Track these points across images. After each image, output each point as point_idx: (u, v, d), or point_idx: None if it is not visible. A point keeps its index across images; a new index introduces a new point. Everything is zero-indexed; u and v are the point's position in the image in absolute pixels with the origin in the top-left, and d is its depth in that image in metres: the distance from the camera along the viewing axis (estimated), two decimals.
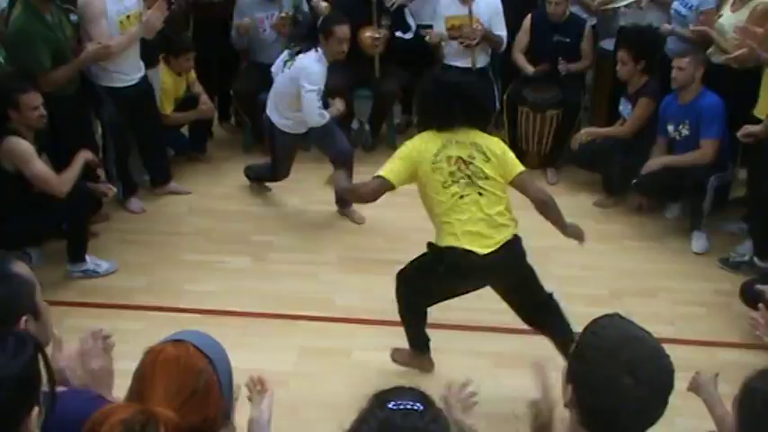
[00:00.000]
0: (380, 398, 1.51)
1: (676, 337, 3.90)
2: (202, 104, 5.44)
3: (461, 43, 5.60)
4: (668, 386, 1.55)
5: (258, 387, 2.08)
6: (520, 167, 3.32)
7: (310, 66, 4.61)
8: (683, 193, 4.92)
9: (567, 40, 5.57)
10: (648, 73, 5.00)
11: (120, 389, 1.96)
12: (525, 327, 3.86)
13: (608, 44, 5.73)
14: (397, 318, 3.99)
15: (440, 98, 3.32)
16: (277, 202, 5.19)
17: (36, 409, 1.43)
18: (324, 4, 5.61)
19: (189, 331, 1.68)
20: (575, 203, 5.16)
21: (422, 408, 1.49)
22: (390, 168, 3.31)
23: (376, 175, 3.32)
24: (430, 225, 4.88)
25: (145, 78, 4.91)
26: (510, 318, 3.99)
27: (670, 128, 4.78)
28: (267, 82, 5.70)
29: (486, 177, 3.22)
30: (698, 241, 4.71)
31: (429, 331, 3.86)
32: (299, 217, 5.06)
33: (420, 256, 3.36)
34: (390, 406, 1.48)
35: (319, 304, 4.03)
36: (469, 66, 5.66)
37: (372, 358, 3.69)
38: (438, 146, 3.26)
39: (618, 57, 5.02)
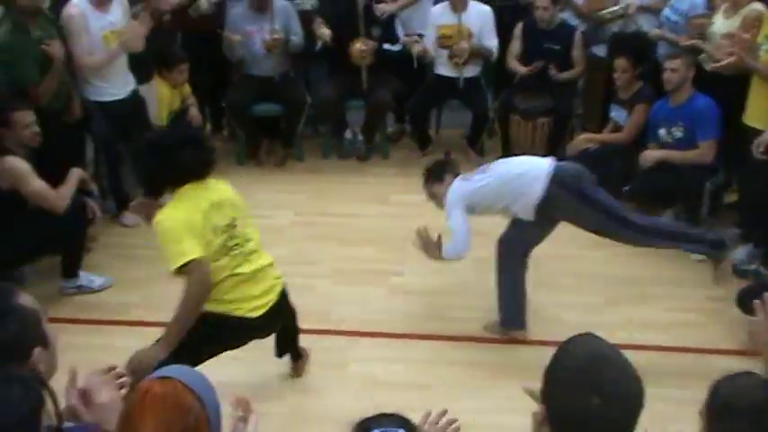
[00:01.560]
0: (363, 425, 1.51)
1: (671, 344, 3.91)
2: (191, 117, 5.43)
3: (451, 59, 5.65)
4: (637, 406, 1.55)
5: (241, 410, 2.04)
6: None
7: None
8: (677, 200, 4.93)
9: (558, 47, 5.60)
10: (640, 79, 5.03)
11: None
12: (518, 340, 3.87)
13: (598, 50, 5.76)
14: (393, 330, 4.01)
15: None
16: (270, 215, 5.18)
17: None
18: (327, 32, 5.60)
19: (175, 367, 1.67)
20: None
21: None
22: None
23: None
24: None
25: (135, 92, 4.92)
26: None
27: (662, 132, 4.79)
28: (260, 94, 5.73)
29: None
30: None
31: (420, 342, 3.86)
32: (293, 229, 5.05)
33: None
34: None
35: (315, 317, 4.01)
36: (457, 75, 5.70)
37: (370, 370, 3.68)
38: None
39: (616, 65, 5.02)
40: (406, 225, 5.03)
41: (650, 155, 4.76)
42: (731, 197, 5.09)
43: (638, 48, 5.02)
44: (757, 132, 4.30)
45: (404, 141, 6.39)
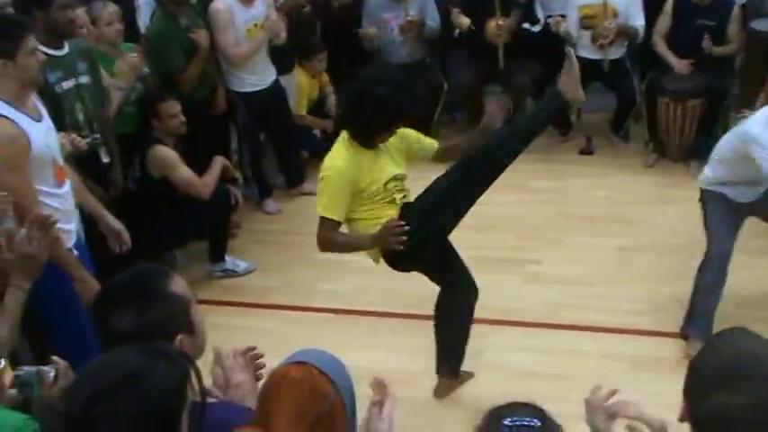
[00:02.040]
0: (495, 414, 1.47)
1: None
2: (329, 106, 5.52)
3: (594, 42, 5.41)
4: None
5: (378, 393, 2.02)
6: None
7: None
8: None
9: (713, 23, 5.21)
10: None
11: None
12: (658, 329, 3.67)
13: (760, 24, 5.33)
14: (529, 318, 3.91)
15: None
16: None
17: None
18: (466, 20, 5.52)
19: (310, 351, 1.68)
20: None
21: (539, 424, 1.44)
22: None
23: None
24: (563, 222, 4.76)
25: (276, 82, 5.06)
26: (644, 319, 3.82)
27: None
28: None
29: None
30: None
31: (557, 332, 3.75)
32: None
33: None
34: (506, 422, 1.44)
35: None
36: (602, 57, 5.47)
37: (505, 359, 3.64)
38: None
39: None
40: (544, 212, 4.92)
41: None
42: None
43: None
44: None
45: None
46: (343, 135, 3.04)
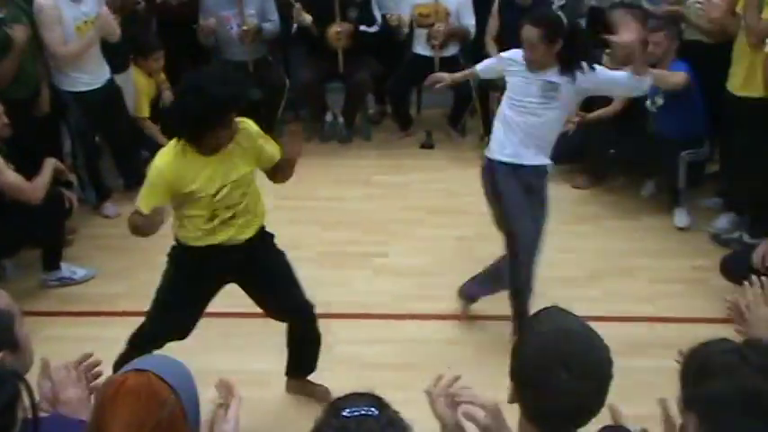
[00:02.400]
0: (335, 405, 1.50)
1: (656, 315, 3.93)
2: (164, 99, 5.37)
3: (428, 42, 5.63)
4: (606, 375, 1.56)
5: (223, 394, 1.99)
6: None
7: None
8: (658, 169, 4.96)
9: None
10: None
11: None
12: (499, 313, 3.88)
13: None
14: (378, 311, 4.01)
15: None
16: None
17: None
18: (308, 17, 5.55)
19: (152, 357, 1.66)
20: (552, 185, 5.16)
21: (376, 412, 1.48)
22: None
23: None
24: (408, 215, 4.92)
25: (111, 81, 4.86)
26: (485, 305, 4.02)
27: (647, 102, 4.79)
28: None
29: None
30: (679, 217, 4.74)
31: (404, 323, 3.87)
32: (275, 214, 5.00)
33: None
34: (345, 414, 1.46)
35: None
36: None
37: (357, 351, 3.69)
38: None
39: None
40: (389, 206, 5.05)
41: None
42: (712, 167, 5.11)
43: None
44: (739, 99, 4.32)
45: (385, 123, 6.37)
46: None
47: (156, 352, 1.87)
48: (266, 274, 3.20)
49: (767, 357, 1.53)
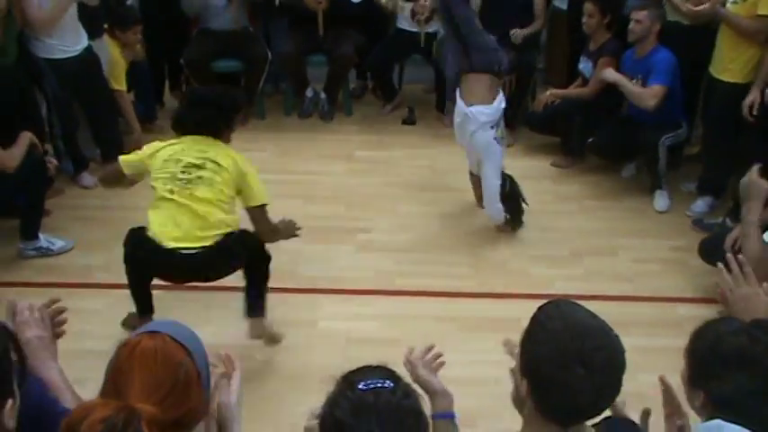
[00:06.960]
0: (349, 379, 1.50)
1: (636, 294, 3.98)
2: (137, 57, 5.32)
3: (413, 18, 5.59)
4: (621, 368, 1.55)
5: (223, 367, 2.00)
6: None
7: None
8: (636, 153, 4.98)
9: (520, 2, 5.54)
10: (609, 30, 5.02)
11: (87, 370, 1.93)
12: (482, 290, 3.91)
13: (561, 3, 5.73)
14: (362, 286, 4.00)
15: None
16: None
17: (10, 402, 1.39)
18: None
19: (162, 321, 1.65)
20: (532, 165, 5.19)
21: (392, 385, 1.48)
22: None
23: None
24: (391, 191, 4.90)
25: (88, 49, 4.74)
26: (469, 282, 4.04)
27: None
28: (219, 50, 5.60)
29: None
30: (660, 200, 4.77)
31: (389, 298, 3.87)
32: None
33: None
34: (360, 387, 1.47)
35: (282, 275, 3.98)
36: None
37: (340, 326, 3.69)
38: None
39: (584, 9, 4.96)
40: (371, 182, 5.03)
41: (609, 73, 4.76)
42: (692, 150, 5.15)
43: None
44: (723, 84, 4.34)
45: (366, 98, 6.33)
46: None
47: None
48: None
49: None
